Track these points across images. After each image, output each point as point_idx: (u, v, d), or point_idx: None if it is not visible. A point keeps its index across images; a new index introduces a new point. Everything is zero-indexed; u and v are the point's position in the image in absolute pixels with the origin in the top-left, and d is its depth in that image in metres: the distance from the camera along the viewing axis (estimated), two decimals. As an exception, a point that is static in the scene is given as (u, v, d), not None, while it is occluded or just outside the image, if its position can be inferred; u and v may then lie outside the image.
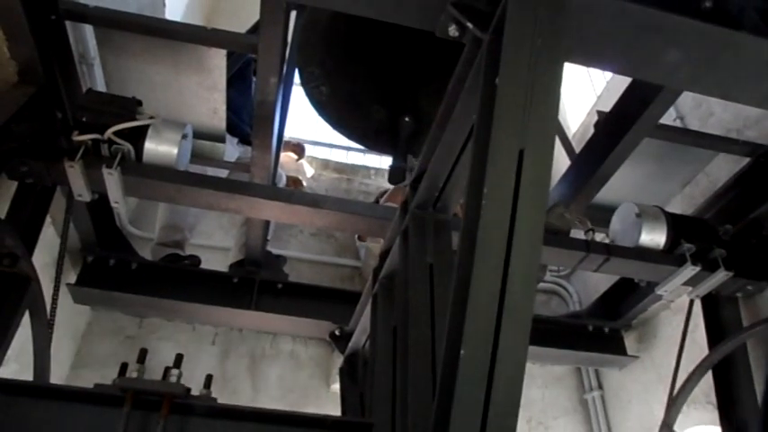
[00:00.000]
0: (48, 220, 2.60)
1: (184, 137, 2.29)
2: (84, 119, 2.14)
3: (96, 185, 2.20)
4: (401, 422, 1.55)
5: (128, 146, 2.16)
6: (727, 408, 2.68)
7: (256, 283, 3.08)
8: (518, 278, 1.12)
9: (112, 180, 2.11)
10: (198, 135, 2.63)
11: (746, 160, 2.94)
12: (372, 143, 3.35)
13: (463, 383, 1.11)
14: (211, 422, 1.56)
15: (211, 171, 2.84)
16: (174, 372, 1.58)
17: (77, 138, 2.10)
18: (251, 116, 2.61)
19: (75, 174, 2.10)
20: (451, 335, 1.17)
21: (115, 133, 2.16)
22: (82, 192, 2.19)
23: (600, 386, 4.08)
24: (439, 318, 1.63)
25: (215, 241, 3.98)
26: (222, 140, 2.74)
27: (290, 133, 4.56)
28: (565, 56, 1.27)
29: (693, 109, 3.55)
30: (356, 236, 4.13)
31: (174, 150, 2.21)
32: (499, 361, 1.12)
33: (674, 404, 2.74)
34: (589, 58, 1.58)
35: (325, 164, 4.93)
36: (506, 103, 1.19)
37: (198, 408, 1.56)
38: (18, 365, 2.50)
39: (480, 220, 1.13)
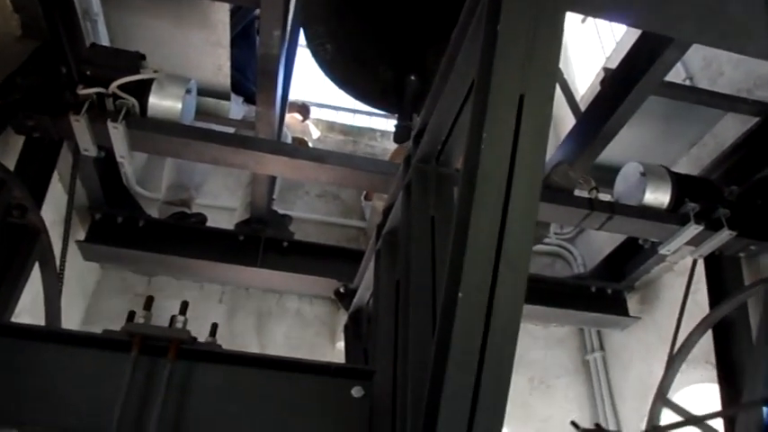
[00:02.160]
0: (55, 177, 2.63)
1: (188, 92, 2.29)
2: (88, 73, 2.15)
3: (102, 140, 2.21)
4: (402, 369, 1.58)
5: (132, 100, 2.17)
6: (726, 367, 2.72)
7: (262, 240, 3.11)
8: (517, 222, 1.14)
9: (118, 134, 2.12)
10: (202, 92, 2.63)
11: (755, 121, 2.91)
12: (378, 102, 3.33)
13: (461, 325, 1.13)
14: (217, 367, 1.60)
15: (218, 130, 2.85)
16: (180, 318, 1.62)
17: (82, 92, 2.11)
18: (256, 75, 2.60)
19: (80, 128, 2.12)
20: (450, 279, 1.19)
21: (119, 87, 2.17)
22: (88, 146, 2.21)
23: (602, 347, 4.13)
24: (440, 269, 1.65)
25: (221, 201, 4.01)
26: (227, 98, 2.74)
27: (296, 96, 4.54)
28: (567, 3, 1.25)
29: (703, 69, 3.49)
30: (362, 196, 4.15)
31: (179, 105, 2.22)
32: (497, 303, 1.14)
33: (674, 363, 2.77)
34: (591, 6, 1.55)
35: (331, 126, 4.92)
36: (507, 49, 1.18)
37: (203, 353, 1.60)
38: (31, 318, 2.56)
39: (480, 164, 1.14)
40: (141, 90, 2.22)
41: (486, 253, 1.14)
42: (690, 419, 2.41)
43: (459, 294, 1.13)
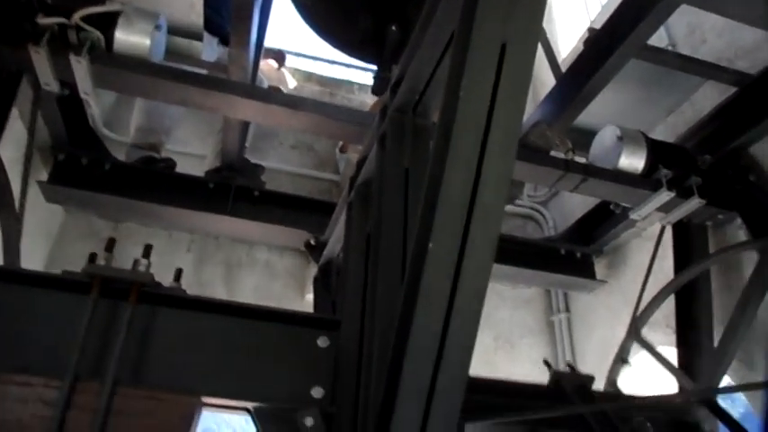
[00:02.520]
0: (15, 113, 2.50)
1: (158, 28, 2.18)
2: (49, 1, 2.02)
3: (64, 75, 2.10)
4: (369, 320, 1.57)
5: (97, 33, 2.06)
6: (685, 331, 2.79)
7: (232, 189, 3.04)
8: (491, 175, 1.11)
9: (81, 69, 2.02)
10: (173, 31, 2.51)
11: (733, 91, 2.91)
12: (357, 53, 3.23)
13: (429, 277, 1.11)
14: (180, 312, 1.57)
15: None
16: (143, 261, 1.58)
17: (42, 21, 1.98)
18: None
19: (40, 60, 2.00)
20: (421, 230, 1.16)
21: (83, 19, 2.05)
22: (48, 81, 2.10)
23: (567, 309, 4.21)
24: (412, 223, 1.63)
25: (192, 148, 3.90)
26: (199, 38, 2.62)
27: (273, 43, 4.40)
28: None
29: (686, 36, 3.47)
30: (337, 148, 4.08)
31: (147, 41, 2.12)
32: (467, 257, 1.12)
33: (637, 323, 2.83)
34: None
35: (308, 76, 4.80)
36: (491, -7, 1.13)
37: (167, 298, 1.57)
38: (-12, 259, 2.49)
39: (456, 114, 1.10)
40: (107, 23, 2.10)
41: (458, 205, 1.11)
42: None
43: (430, 245, 1.11)
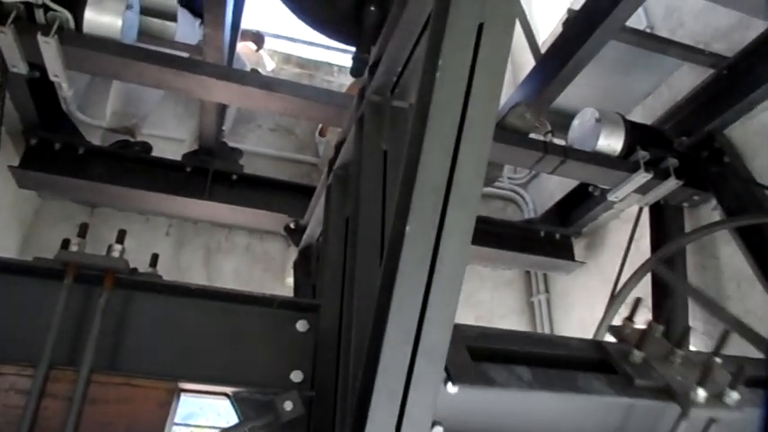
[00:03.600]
0: (-16, 96, 2.44)
1: (129, 7, 2.13)
2: (15, -21, 1.95)
3: (33, 56, 2.05)
4: (348, 304, 1.57)
5: (66, 13, 2.00)
6: (660, 307, 2.84)
7: (210, 172, 3.01)
8: (469, 156, 1.10)
9: (50, 49, 1.96)
10: (147, 11, 2.44)
11: (709, 73, 2.93)
12: (335, 34, 3.18)
13: (407, 259, 1.11)
14: (157, 298, 1.55)
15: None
16: (117, 247, 1.54)
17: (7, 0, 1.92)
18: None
19: (6, 41, 1.94)
20: (399, 212, 1.16)
21: (51, -2, 1.98)
22: (16, 62, 2.04)
23: (547, 290, 4.25)
24: (390, 205, 1.62)
25: (169, 132, 3.84)
26: (173, 19, 2.55)
27: (250, 25, 4.32)
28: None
29: (664, 19, 3.48)
30: (316, 132, 4.04)
31: (118, 21, 2.06)
32: (444, 239, 1.11)
33: (614, 303, 2.87)
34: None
35: (287, 58, 4.73)
36: (468, -28, 1.11)
37: (142, 284, 1.54)
38: (-42, 245, 2.43)
39: (433, 93, 1.09)
40: (76, 2, 2.04)
41: (435, 187, 1.10)
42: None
43: (407, 228, 1.10)
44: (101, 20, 2.05)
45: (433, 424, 1.42)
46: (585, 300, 3.83)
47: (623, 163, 2.71)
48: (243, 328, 1.57)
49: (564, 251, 3.73)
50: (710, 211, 2.94)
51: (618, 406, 1.44)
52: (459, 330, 1.35)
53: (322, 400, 1.50)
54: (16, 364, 1.36)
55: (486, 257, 3.71)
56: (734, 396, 1.41)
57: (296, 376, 1.54)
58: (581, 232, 3.79)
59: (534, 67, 2.84)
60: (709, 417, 1.42)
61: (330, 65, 4.82)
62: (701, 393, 1.38)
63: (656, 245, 2.99)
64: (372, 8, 2.83)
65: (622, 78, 3.13)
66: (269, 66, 4.38)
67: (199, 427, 3.60)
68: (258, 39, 4.25)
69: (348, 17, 3.01)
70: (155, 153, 3.26)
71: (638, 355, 1.51)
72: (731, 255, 2.76)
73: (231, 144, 3.50)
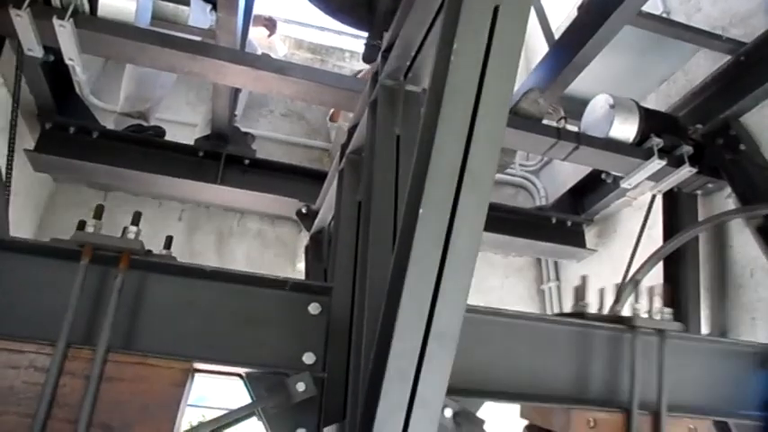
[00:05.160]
0: (-1, 80, 2.47)
1: (143, -9, 2.13)
2: (30, -38, 1.96)
3: (48, 40, 2.06)
4: (360, 287, 1.58)
5: (81, -4, 2.01)
6: (671, 297, 2.82)
7: (222, 157, 3.02)
8: (482, 140, 1.10)
9: (65, 33, 1.97)
10: (159, -5, 2.45)
11: (726, 59, 2.89)
12: (348, 19, 3.19)
13: (420, 242, 1.11)
14: (171, 279, 1.56)
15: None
16: (133, 229, 1.56)
17: (24, -17, 1.93)
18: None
19: (23, 24, 1.95)
20: (412, 195, 1.16)
21: (67, -18, 1.99)
22: (32, 45, 2.05)
23: (557, 278, 4.25)
24: (403, 189, 1.62)
25: (181, 117, 3.86)
26: (186, 3, 2.55)
27: (262, 10, 4.32)
28: None
29: (681, 3, 3.43)
30: (328, 117, 4.05)
31: (132, 5, 2.07)
32: (457, 222, 1.12)
33: (625, 290, 2.87)
34: None
35: (299, 43, 4.72)
36: (484, -46, 1.10)
37: (157, 265, 1.56)
38: (-24, 227, 2.46)
39: (448, 77, 1.09)
40: (91, -14, 2.05)
41: (449, 171, 1.11)
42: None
43: (420, 211, 1.10)
44: (115, 3, 2.06)
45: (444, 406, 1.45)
46: (596, 287, 3.82)
47: (637, 150, 2.69)
48: (256, 310, 1.59)
49: (575, 239, 3.72)
50: (724, 199, 2.92)
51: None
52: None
53: (334, 381, 1.52)
54: (35, 342, 1.38)
55: (496, 244, 3.71)
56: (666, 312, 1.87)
57: (308, 358, 1.56)
58: (593, 220, 3.78)
59: (548, 53, 2.82)
60: (656, 328, 1.81)
61: (342, 50, 4.81)
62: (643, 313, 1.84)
63: (668, 233, 2.97)
64: (385, -7, 2.83)
65: (637, 64, 3.09)
66: (281, 51, 4.38)
67: (209, 408, 3.65)
68: (271, 24, 4.24)
69: (360, 3, 3.01)
70: (168, 137, 3.28)
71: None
72: (744, 243, 2.74)
73: (244, 129, 3.51)
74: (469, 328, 1.56)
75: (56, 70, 2.62)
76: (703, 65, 3.07)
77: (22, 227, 3.15)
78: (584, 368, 1.79)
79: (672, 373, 1.80)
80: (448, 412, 1.50)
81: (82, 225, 1.57)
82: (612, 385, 1.78)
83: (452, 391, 1.31)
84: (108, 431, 1.36)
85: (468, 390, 1.62)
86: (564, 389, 1.74)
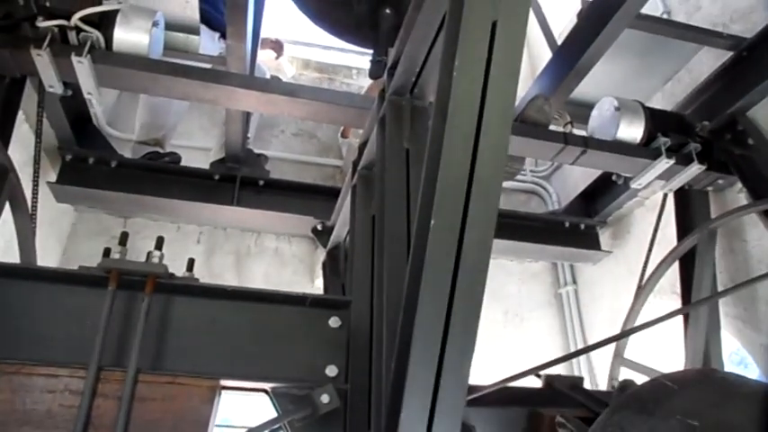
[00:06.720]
0: (21, 116, 2.56)
1: (155, 24, 2.21)
2: (47, 4, 2.05)
3: (67, 75, 2.14)
4: (378, 299, 1.62)
5: (96, 33, 2.09)
6: (689, 295, 2.83)
7: (237, 179, 3.09)
8: (488, 149, 1.14)
9: (83, 69, 2.06)
10: (171, 27, 2.53)
11: (729, 56, 2.91)
12: (352, 37, 3.24)
13: (433, 251, 1.15)
14: (194, 300, 1.62)
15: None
16: (156, 253, 1.62)
17: (42, 24, 2.02)
18: (227, 8, 2.50)
19: (43, 62, 2.04)
20: (423, 206, 1.20)
21: (82, 20, 2.08)
22: (52, 82, 2.14)
23: (574, 281, 4.25)
24: (415, 202, 1.66)
25: (196, 142, 3.95)
26: (196, 32, 2.64)
27: (270, 33, 4.41)
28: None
29: (681, 3, 3.46)
30: (339, 133, 4.11)
31: (146, 38, 2.15)
32: (468, 229, 1.16)
33: (642, 293, 2.88)
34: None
35: (306, 63, 4.81)
36: (480, -27, 1.15)
37: (181, 287, 1.62)
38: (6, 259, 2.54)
39: (452, 91, 1.14)
40: (106, 23, 2.14)
41: (458, 181, 1.15)
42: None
43: (432, 221, 1.15)
44: (129, 38, 2.14)
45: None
46: (613, 289, 3.82)
47: (645, 150, 2.71)
48: (278, 326, 1.63)
49: (590, 241, 3.73)
50: (736, 195, 2.92)
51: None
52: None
53: (357, 392, 1.55)
54: (69, 366, 1.44)
55: (512, 251, 3.73)
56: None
57: (331, 371, 1.60)
58: (606, 221, 3.79)
59: (551, 59, 2.86)
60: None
61: (349, 68, 4.89)
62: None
63: (681, 231, 2.98)
64: (388, 11, 2.89)
65: (641, 66, 3.12)
66: (289, 72, 4.46)
67: (233, 427, 3.68)
68: (278, 47, 4.33)
69: (364, 21, 3.07)
70: (183, 163, 3.36)
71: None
72: (759, 238, 2.74)
73: (257, 150, 3.59)
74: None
75: (73, 103, 2.71)
76: (706, 62, 3.09)
77: (47, 256, 3.24)
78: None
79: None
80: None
81: (107, 252, 1.63)
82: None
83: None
84: (142, 449, 1.40)
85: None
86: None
